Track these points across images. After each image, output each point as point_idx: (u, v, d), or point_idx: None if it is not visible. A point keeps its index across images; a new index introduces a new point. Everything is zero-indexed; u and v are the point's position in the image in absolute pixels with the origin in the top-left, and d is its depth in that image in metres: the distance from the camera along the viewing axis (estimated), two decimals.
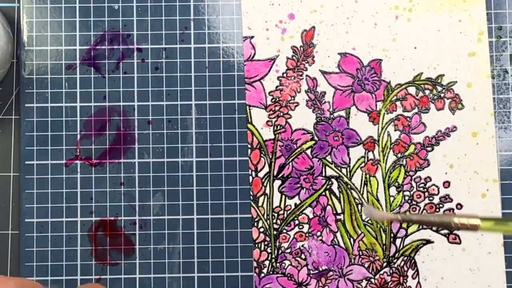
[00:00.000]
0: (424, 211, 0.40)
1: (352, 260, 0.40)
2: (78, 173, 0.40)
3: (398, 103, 0.40)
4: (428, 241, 0.40)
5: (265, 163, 0.40)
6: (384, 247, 0.40)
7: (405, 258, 0.40)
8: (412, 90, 0.40)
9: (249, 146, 0.39)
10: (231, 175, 0.40)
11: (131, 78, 0.42)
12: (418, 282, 0.39)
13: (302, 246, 0.40)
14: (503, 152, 0.42)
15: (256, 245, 0.40)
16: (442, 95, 0.40)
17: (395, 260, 0.40)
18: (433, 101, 0.40)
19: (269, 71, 0.40)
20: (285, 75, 0.40)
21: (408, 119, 0.40)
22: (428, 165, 0.40)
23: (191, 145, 0.41)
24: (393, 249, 0.40)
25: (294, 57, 0.40)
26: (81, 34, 0.42)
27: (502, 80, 0.43)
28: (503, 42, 0.43)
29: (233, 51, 0.41)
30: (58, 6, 0.42)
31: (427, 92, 0.40)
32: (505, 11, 0.43)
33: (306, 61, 0.40)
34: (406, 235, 0.40)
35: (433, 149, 0.40)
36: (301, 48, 0.40)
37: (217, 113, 0.41)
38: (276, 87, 0.40)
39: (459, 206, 0.40)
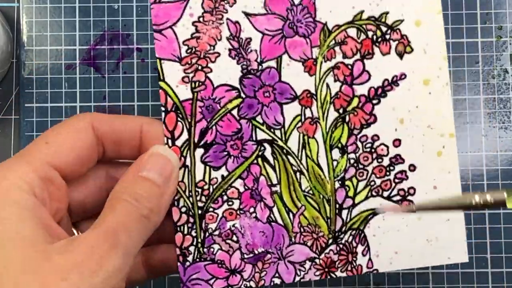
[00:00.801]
0: (373, 175, 0.43)
1: (293, 239, 0.42)
2: None
3: (337, 48, 0.43)
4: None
5: (183, 128, 0.42)
6: (329, 220, 0.43)
7: (353, 232, 0.43)
8: (352, 32, 0.43)
9: (163, 108, 0.41)
10: None
11: (131, 78, 0.51)
12: (370, 259, 0.43)
13: (233, 226, 0.42)
14: (503, 152, 0.46)
15: (178, 229, 0.41)
16: (387, 37, 0.43)
17: (342, 236, 0.43)
18: (377, 44, 0.43)
19: (181, 15, 0.41)
20: (201, 19, 0.42)
21: (349, 67, 0.43)
22: (375, 121, 0.43)
23: None
24: (339, 223, 0.43)
25: None
26: (81, 34, 0.51)
27: (502, 80, 0.47)
28: (503, 42, 0.47)
29: None
30: (57, 6, 0.51)
31: (370, 34, 0.43)
32: (505, 11, 0.51)
33: (226, 1, 0.42)
34: (354, 205, 0.43)
35: (379, 101, 0.43)
36: None
37: None
38: (192, 34, 0.42)
39: (412, 167, 0.43)
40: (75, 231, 0.42)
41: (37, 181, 0.37)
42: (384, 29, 0.44)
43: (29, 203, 0.35)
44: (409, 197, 0.44)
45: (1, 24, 0.50)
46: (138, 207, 0.36)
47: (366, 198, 0.44)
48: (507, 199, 0.34)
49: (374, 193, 0.44)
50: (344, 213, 0.44)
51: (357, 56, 0.44)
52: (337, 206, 0.44)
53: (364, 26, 0.44)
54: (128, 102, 0.51)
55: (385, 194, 0.44)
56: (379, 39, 0.44)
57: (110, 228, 0.35)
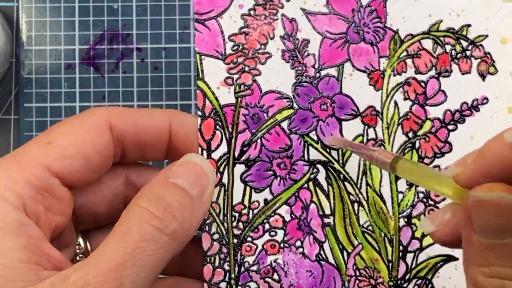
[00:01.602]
0: None
1: (346, 283, 0.44)
2: None
3: (409, 61, 0.46)
4: (451, 258, 0.45)
5: (222, 139, 0.43)
6: (391, 265, 0.44)
7: (419, 281, 0.44)
8: (427, 44, 0.46)
9: (200, 112, 0.43)
10: None
11: (131, 77, 0.59)
12: None
13: (275, 261, 0.43)
14: None
15: (208, 259, 0.42)
16: (468, 53, 0.46)
17: (405, 284, 0.44)
18: (456, 61, 0.46)
19: (229, 5, 0.44)
20: (252, 12, 0.44)
21: (422, 84, 0.45)
22: (450, 150, 0.45)
23: None
24: (402, 269, 0.44)
25: None
26: (81, 33, 0.59)
27: None
28: None
29: None
30: (57, 5, 0.60)
31: (448, 48, 0.46)
32: None
33: None
34: (421, 249, 0.44)
35: (456, 127, 0.46)
36: None
37: None
38: (240, 29, 0.44)
39: None
40: (81, 242, 0.43)
41: (30, 192, 0.38)
42: (464, 44, 0.47)
43: (14, 222, 0.36)
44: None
45: (1, 23, 0.56)
46: (163, 221, 0.37)
47: None
48: (390, 164, 0.39)
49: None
50: (409, 257, 0.45)
51: (432, 72, 0.46)
52: (401, 248, 0.45)
53: (441, 38, 0.47)
54: (128, 102, 0.59)
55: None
56: (459, 55, 0.47)
57: (115, 261, 0.36)
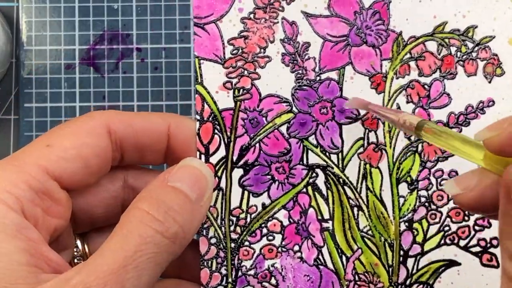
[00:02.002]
0: (448, 219, 0.44)
1: None
2: None
3: (412, 63, 0.45)
4: (453, 263, 0.45)
5: (220, 143, 0.44)
6: (391, 270, 0.44)
7: (420, 286, 0.44)
8: (432, 46, 0.45)
9: (198, 117, 0.43)
10: None
11: (131, 78, 0.60)
12: None
13: (272, 266, 0.43)
14: None
15: (205, 264, 0.43)
16: (474, 55, 0.45)
17: None
18: (461, 63, 0.45)
19: (229, 8, 0.44)
20: (252, 16, 0.44)
21: (426, 87, 0.45)
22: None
23: None
24: (403, 274, 0.44)
25: None
26: (80, 33, 0.60)
27: None
28: None
29: None
30: (57, 5, 0.60)
31: (453, 50, 0.45)
32: None
33: None
34: (422, 253, 0.44)
35: (461, 130, 0.45)
36: None
37: None
38: (239, 33, 0.44)
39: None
40: (79, 244, 0.44)
41: (29, 194, 0.38)
42: (470, 45, 0.46)
43: (13, 225, 0.37)
44: (491, 249, 0.45)
45: (1, 24, 0.57)
46: (163, 224, 0.38)
47: (438, 246, 0.45)
48: (416, 130, 0.39)
49: (448, 241, 0.45)
50: (410, 262, 0.45)
51: (436, 75, 0.46)
52: (402, 252, 0.45)
53: (446, 40, 0.46)
54: (128, 102, 0.59)
55: (462, 243, 0.45)
56: (464, 57, 0.46)
57: (116, 264, 0.36)
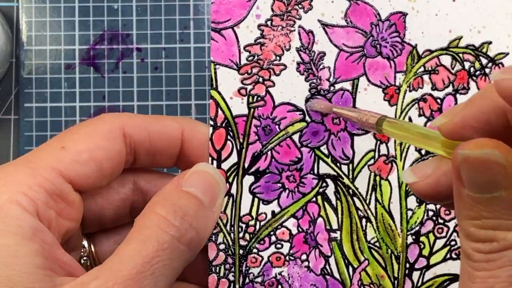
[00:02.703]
0: (455, 233, 0.44)
1: None
2: None
3: (425, 77, 0.45)
4: (458, 277, 0.44)
5: (232, 149, 0.44)
6: (396, 282, 0.44)
7: None
8: (446, 60, 0.46)
9: (211, 122, 0.43)
10: None
11: (131, 77, 0.60)
12: None
13: (280, 274, 0.44)
14: None
15: (213, 269, 0.43)
16: (487, 71, 0.45)
17: None
18: (474, 78, 0.45)
19: (247, 15, 0.44)
20: (269, 23, 0.44)
21: (438, 101, 0.45)
22: None
23: None
24: (408, 286, 0.45)
25: None
26: (80, 33, 0.60)
27: None
28: None
29: None
30: (57, 5, 0.61)
31: (466, 64, 0.45)
32: None
33: (300, 6, 0.45)
34: (428, 267, 0.44)
35: None
36: None
37: None
38: (256, 39, 0.44)
39: None
40: (86, 244, 0.44)
41: (43, 197, 0.38)
42: (484, 61, 0.46)
43: (29, 227, 0.37)
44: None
45: (1, 24, 0.57)
46: (180, 229, 0.38)
47: (444, 260, 0.45)
48: (376, 125, 0.39)
49: (454, 255, 0.45)
50: (415, 275, 0.45)
51: (449, 89, 0.46)
52: (408, 265, 0.45)
53: (460, 55, 0.46)
54: (128, 102, 0.60)
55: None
56: (477, 73, 0.46)
57: (134, 269, 0.36)
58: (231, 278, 0.45)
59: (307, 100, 0.45)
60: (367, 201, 0.46)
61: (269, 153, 0.45)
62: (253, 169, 0.45)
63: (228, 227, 0.45)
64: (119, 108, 0.60)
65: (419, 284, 0.46)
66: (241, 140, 0.45)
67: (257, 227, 0.45)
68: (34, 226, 0.37)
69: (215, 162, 0.45)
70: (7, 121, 0.60)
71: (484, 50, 0.47)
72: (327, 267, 0.45)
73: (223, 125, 0.45)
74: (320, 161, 0.46)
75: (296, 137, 0.46)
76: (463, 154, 0.30)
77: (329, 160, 0.46)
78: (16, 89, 0.60)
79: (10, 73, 0.60)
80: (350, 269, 0.45)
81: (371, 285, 0.45)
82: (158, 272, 0.37)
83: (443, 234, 0.46)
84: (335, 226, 0.45)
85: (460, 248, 0.32)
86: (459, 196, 0.31)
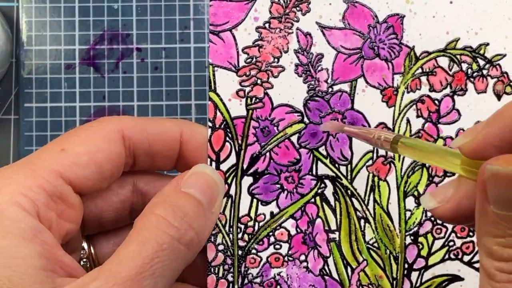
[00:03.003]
0: (453, 234, 0.44)
1: None
2: None
3: (423, 78, 0.45)
4: (456, 278, 0.45)
5: (231, 150, 0.44)
6: (395, 282, 0.44)
7: None
8: (443, 62, 0.46)
9: (210, 124, 0.43)
10: None
11: (131, 77, 0.61)
12: None
13: (278, 274, 0.44)
14: None
15: (212, 270, 0.43)
16: (485, 72, 0.46)
17: None
18: (472, 79, 0.45)
19: (245, 17, 0.44)
20: (267, 25, 0.45)
21: (436, 102, 0.45)
22: None
23: None
24: (407, 287, 0.45)
25: (281, 1, 0.44)
26: (81, 33, 0.61)
27: None
28: None
29: None
30: (57, 5, 0.61)
31: (464, 66, 0.46)
32: None
33: (298, 8, 0.45)
34: (426, 267, 0.44)
35: None
36: None
37: None
38: (254, 41, 0.45)
39: None
40: (85, 246, 0.44)
41: (44, 198, 0.39)
42: (481, 62, 0.47)
43: (30, 228, 0.37)
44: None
45: (1, 23, 0.58)
46: (179, 230, 0.38)
47: (442, 260, 0.46)
48: (391, 144, 0.39)
49: (452, 256, 0.45)
50: (414, 275, 0.45)
51: (447, 91, 0.46)
52: (406, 265, 0.45)
53: (458, 56, 0.47)
54: (128, 102, 0.61)
55: (466, 258, 0.45)
56: (475, 74, 0.47)
57: (134, 270, 0.37)
58: (230, 279, 0.45)
59: (305, 102, 0.46)
60: (366, 202, 0.46)
61: (267, 154, 0.45)
62: (251, 170, 0.45)
63: (227, 228, 0.45)
64: (119, 108, 0.60)
65: (417, 285, 0.46)
66: (239, 142, 0.45)
67: (256, 228, 0.45)
68: (35, 227, 0.37)
69: (214, 163, 0.45)
70: (7, 121, 0.61)
71: (481, 52, 0.47)
72: (326, 267, 0.45)
73: (222, 126, 0.45)
74: (319, 162, 0.46)
75: (294, 138, 0.46)
76: (492, 170, 0.29)
77: (327, 161, 0.46)
78: (16, 89, 0.61)
79: (10, 73, 0.61)
80: (349, 269, 0.45)
81: (370, 286, 0.45)
82: (158, 273, 0.37)
83: (442, 235, 0.46)
84: (333, 226, 0.46)
85: (480, 266, 0.31)
86: (482, 212, 0.31)
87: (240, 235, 0.45)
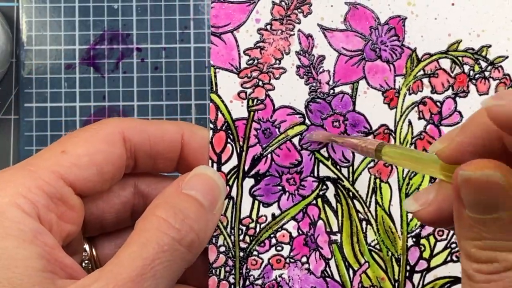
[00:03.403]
0: (455, 236, 0.44)
1: None
2: None
3: (425, 80, 0.45)
4: (459, 280, 0.45)
5: (232, 152, 0.44)
6: (397, 284, 0.44)
7: None
8: (445, 63, 0.46)
9: (211, 125, 0.43)
10: None
11: (131, 77, 0.61)
12: None
13: (280, 276, 0.44)
14: None
15: (213, 271, 0.43)
16: (487, 74, 0.46)
17: None
18: (474, 81, 0.45)
19: (246, 19, 0.44)
20: (269, 27, 0.45)
21: (438, 104, 0.45)
22: None
23: None
24: None
25: (283, 3, 0.44)
26: (81, 33, 0.61)
27: None
28: None
29: None
30: (57, 5, 0.61)
31: (466, 68, 0.46)
32: None
33: (300, 10, 0.45)
34: (428, 269, 0.44)
35: None
36: None
37: None
38: (255, 43, 0.45)
39: None
40: (87, 248, 0.44)
41: (44, 200, 0.39)
42: (483, 64, 0.47)
43: (30, 230, 0.37)
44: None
45: (1, 23, 0.58)
46: (180, 232, 0.38)
47: (445, 262, 0.46)
48: (375, 152, 0.39)
49: (454, 258, 0.45)
50: (416, 277, 0.45)
51: (449, 93, 0.46)
52: (408, 267, 0.45)
53: (460, 58, 0.47)
54: (128, 102, 0.61)
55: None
56: (477, 76, 0.47)
57: (135, 272, 0.37)
58: (232, 281, 0.45)
59: (307, 104, 0.46)
60: (367, 204, 0.46)
61: (269, 156, 0.46)
62: (253, 172, 0.45)
63: (228, 230, 0.45)
64: (119, 108, 0.60)
65: (419, 287, 0.46)
66: (241, 143, 0.45)
67: (257, 229, 0.45)
68: (35, 228, 0.37)
69: (215, 165, 0.45)
70: (7, 121, 0.61)
71: (483, 54, 0.47)
72: (328, 269, 0.45)
73: (223, 128, 0.45)
74: (320, 164, 0.46)
75: (296, 140, 0.46)
76: (464, 175, 0.30)
77: (329, 163, 0.46)
78: (16, 89, 0.61)
79: (10, 73, 0.61)
80: (351, 271, 0.45)
81: None
82: (159, 274, 0.37)
83: (444, 237, 0.46)
84: (335, 228, 0.46)
85: (461, 268, 0.32)
86: (459, 217, 0.31)
87: (241, 237, 0.45)
